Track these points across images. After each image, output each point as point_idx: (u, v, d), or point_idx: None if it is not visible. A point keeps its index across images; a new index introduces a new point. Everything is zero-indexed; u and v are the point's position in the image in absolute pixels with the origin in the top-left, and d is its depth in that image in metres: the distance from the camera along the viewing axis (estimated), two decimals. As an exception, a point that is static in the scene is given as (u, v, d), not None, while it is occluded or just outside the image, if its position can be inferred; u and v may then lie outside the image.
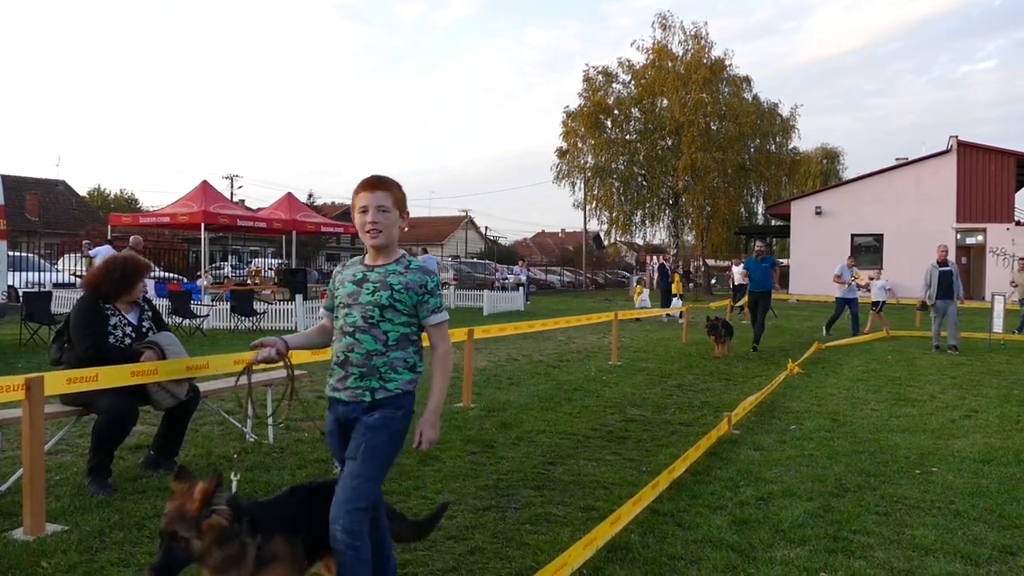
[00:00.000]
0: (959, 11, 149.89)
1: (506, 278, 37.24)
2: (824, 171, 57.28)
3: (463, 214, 79.20)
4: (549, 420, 6.98)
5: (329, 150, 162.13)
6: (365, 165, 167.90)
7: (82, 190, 60.39)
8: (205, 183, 19.64)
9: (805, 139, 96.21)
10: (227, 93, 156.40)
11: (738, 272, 22.61)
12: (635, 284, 31.16)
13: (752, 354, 12.70)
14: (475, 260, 51.67)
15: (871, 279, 19.21)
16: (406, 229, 2.91)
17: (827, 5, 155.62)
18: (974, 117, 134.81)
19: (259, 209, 24.11)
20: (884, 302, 17.35)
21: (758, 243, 13.96)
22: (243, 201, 52.27)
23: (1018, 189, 32.98)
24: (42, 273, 20.49)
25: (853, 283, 16.04)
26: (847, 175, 51.90)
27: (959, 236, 31.75)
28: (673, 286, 22.13)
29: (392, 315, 2.77)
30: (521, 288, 28.14)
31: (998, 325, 15.03)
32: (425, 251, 21.08)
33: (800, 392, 8.77)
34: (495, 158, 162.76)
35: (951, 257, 28.28)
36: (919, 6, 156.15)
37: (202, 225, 17.92)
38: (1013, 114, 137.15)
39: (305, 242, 47.98)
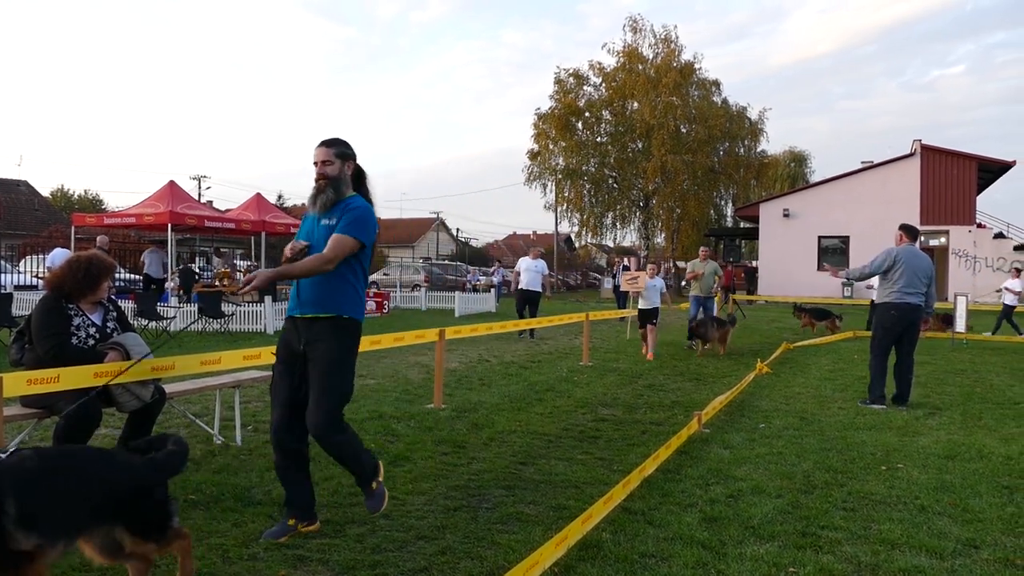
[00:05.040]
0: (931, 16, 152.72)
1: (478, 279, 37.21)
2: (791, 174, 58.07)
3: (434, 216, 78.99)
4: (520, 420, 6.97)
5: (300, 150, 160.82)
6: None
7: (45, 190, 59.20)
8: (172, 183, 19.37)
9: (774, 142, 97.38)
10: (195, 92, 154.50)
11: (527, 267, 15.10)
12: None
13: (722, 355, 12.59)
14: (446, 262, 51.53)
15: (651, 276, 12.76)
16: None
17: (803, 7, 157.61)
18: (944, 120, 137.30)
19: (227, 210, 23.80)
20: (658, 309, 12.53)
21: None
22: (211, 202, 51.59)
23: (980, 192, 33.63)
24: (3, 275, 20.06)
25: None
26: (815, 178, 52.61)
27: (923, 238, 32.28)
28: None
29: None
30: (493, 289, 28.13)
31: (960, 325, 15.34)
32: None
33: (769, 391, 8.86)
34: (469, 159, 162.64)
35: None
36: (894, 10, 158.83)
37: (169, 226, 17.68)
38: (981, 118, 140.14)
39: (275, 244, 47.13)
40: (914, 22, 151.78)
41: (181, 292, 16.70)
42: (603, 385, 9.26)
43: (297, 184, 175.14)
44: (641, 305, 12.37)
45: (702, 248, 14.21)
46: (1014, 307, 16.95)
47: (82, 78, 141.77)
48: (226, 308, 14.61)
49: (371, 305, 21.56)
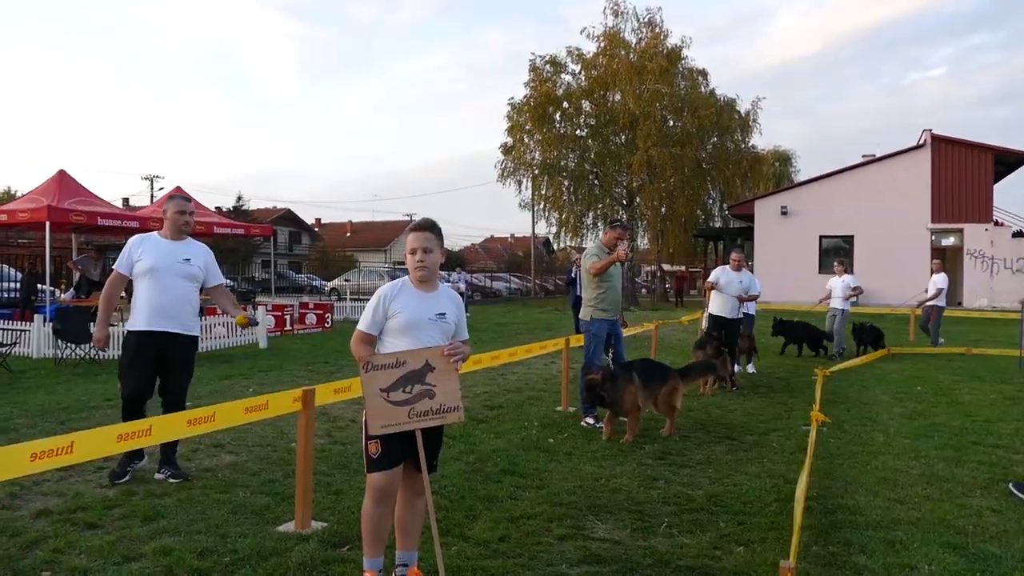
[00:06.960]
0: (910, 19, 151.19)
1: (446, 283, 33.74)
2: (776, 173, 55.31)
3: (407, 219, 75.71)
4: (449, 555, 3.69)
5: (267, 154, 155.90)
6: (307, 169, 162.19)
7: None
8: (62, 173, 15.89)
9: (761, 139, 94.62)
10: (155, 91, 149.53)
11: None
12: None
13: (734, 391, 9.33)
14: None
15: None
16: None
17: (785, 11, 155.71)
18: (922, 123, 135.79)
19: (140, 208, 20.16)
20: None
21: None
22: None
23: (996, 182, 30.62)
24: None
25: None
26: (799, 178, 49.74)
27: (934, 237, 29.45)
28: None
29: None
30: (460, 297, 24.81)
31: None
32: None
33: (851, 467, 5.67)
34: (446, 163, 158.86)
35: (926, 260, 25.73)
36: (873, 13, 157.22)
37: (47, 224, 14.19)
38: (963, 120, 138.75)
39: (235, 248, 43.03)
40: (892, 26, 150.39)
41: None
42: (592, 458, 6.00)
43: (277, 187, 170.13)
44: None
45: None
46: (943, 308, 14.55)
47: (70, 80, 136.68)
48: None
49: (312, 319, 18.21)
